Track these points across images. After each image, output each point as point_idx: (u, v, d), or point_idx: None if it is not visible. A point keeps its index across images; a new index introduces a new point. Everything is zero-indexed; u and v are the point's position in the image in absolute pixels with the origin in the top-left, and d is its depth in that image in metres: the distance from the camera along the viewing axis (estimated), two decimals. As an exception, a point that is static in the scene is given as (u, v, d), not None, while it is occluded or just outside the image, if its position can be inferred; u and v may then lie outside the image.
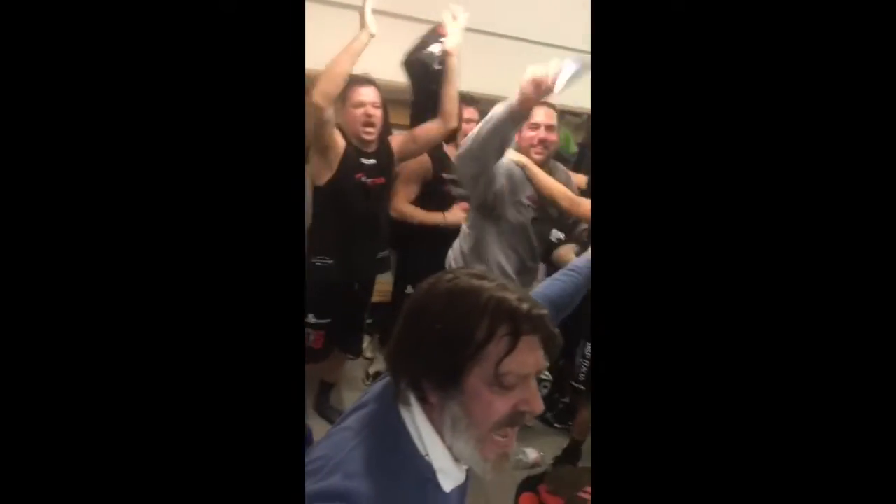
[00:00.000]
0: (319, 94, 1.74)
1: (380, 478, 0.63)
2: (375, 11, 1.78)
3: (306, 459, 0.67)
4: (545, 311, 0.67)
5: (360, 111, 1.91)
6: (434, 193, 2.32)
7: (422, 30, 2.05)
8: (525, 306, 0.65)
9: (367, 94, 1.91)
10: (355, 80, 1.92)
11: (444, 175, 2.31)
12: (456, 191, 2.29)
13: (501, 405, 0.64)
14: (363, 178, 1.97)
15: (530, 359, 0.65)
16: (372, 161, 2.00)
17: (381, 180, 2.04)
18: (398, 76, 2.15)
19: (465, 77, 2.05)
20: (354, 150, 1.95)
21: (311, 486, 0.62)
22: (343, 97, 1.91)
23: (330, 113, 1.80)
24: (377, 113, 1.92)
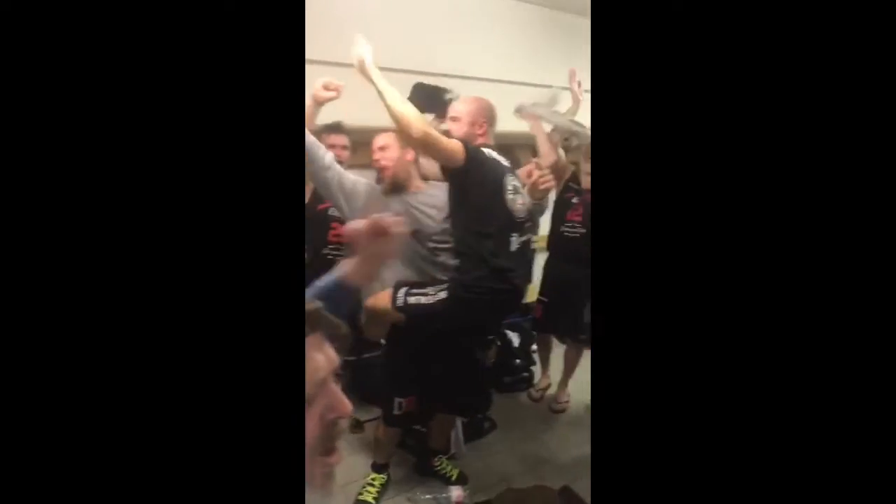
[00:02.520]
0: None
1: None
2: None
3: None
4: (318, 305, 0.59)
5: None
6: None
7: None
8: None
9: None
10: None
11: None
12: None
13: (307, 424, 0.54)
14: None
15: (319, 359, 0.56)
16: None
17: None
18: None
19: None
20: None
21: None
22: None
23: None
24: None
